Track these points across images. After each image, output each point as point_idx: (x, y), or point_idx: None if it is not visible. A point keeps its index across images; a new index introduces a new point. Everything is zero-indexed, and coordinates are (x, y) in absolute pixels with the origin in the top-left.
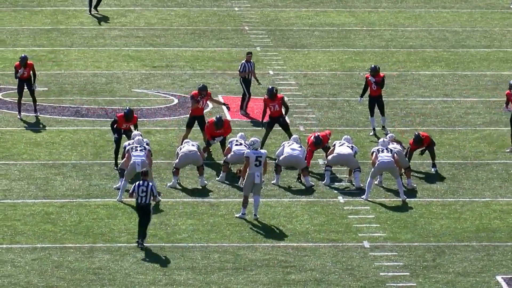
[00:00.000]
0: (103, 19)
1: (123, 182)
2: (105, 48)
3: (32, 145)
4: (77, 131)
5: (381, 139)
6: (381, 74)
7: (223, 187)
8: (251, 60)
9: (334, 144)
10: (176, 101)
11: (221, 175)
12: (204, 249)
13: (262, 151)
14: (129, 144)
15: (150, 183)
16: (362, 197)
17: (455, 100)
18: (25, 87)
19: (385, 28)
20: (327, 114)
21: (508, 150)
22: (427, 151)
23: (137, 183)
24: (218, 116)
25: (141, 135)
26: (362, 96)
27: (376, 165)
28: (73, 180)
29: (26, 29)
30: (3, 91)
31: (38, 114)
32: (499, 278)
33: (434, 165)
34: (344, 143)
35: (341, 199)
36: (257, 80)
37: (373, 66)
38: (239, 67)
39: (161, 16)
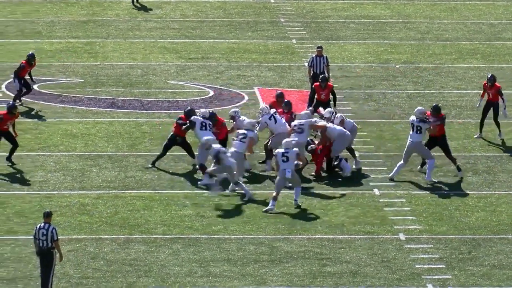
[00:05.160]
0: (140, 10)
1: (207, 178)
2: (141, 39)
3: (68, 137)
4: (113, 122)
5: (411, 117)
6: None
7: (259, 178)
8: (323, 54)
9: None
10: (211, 93)
11: (267, 163)
12: (239, 241)
13: (294, 149)
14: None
15: (52, 226)
16: (389, 175)
17: None
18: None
19: (420, 21)
20: (363, 106)
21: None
22: (437, 146)
23: (38, 225)
24: (211, 112)
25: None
26: (309, 105)
27: (406, 148)
28: (109, 172)
29: (62, 21)
30: (39, 82)
31: (22, 103)
32: None
33: (459, 169)
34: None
35: (376, 191)
36: (328, 75)
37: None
38: (308, 61)
39: (197, 8)
